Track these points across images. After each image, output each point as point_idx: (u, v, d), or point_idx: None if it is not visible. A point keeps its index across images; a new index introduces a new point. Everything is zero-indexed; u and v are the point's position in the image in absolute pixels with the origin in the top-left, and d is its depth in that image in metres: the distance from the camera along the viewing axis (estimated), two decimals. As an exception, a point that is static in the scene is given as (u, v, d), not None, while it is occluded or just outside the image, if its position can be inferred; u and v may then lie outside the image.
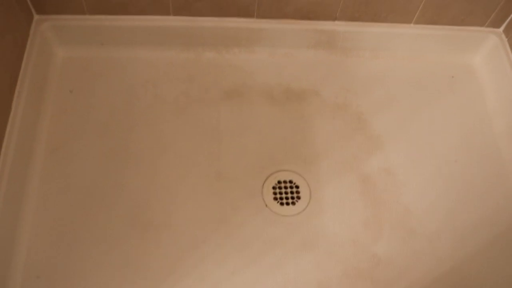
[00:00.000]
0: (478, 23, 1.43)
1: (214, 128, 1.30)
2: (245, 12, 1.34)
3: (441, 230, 1.22)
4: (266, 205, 1.20)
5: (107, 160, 1.23)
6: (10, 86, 1.16)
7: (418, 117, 1.39)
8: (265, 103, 1.36)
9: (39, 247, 1.11)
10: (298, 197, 1.22)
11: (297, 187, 1.23)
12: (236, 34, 1.39)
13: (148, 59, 1.39)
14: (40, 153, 1.22)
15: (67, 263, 1.09)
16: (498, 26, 1.45)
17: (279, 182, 1.24)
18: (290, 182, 1.24)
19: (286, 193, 1.22)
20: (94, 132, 1.26)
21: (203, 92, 1.36)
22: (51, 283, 1.07)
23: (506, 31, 1.43)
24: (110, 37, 1.36)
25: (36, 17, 1.30)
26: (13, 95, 1.16)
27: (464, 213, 1.25)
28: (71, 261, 1.10)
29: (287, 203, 1.21)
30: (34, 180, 1.18)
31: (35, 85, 1.24)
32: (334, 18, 1.38)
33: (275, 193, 1.22)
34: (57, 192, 1.17)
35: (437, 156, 1.32)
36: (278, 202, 1.21)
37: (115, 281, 1.09)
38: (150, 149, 1.25)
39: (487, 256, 1.20)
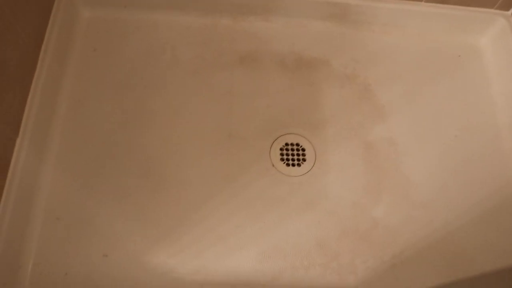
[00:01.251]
0: (487, 4, 1.46)
1: (227, 91, 1.35)
2: (263, -18, 1.39)
3: (436, 200, 1.27)
4: (273, 165, 1.26)
5: (125, 116, 1.29)
6: (37, 42, 1.21)
7: (423, 92, 1.43)
8: (277, 70, 1.41)
9: (59, 192, 1.17)
10: (304, 159, 1.28)
11: (303, 149, 1.29)
12: (253, 3, 1.43)
13: (167, 23, 1.44)
14: (63, 106, 1.28)
15: (84, 208, 1.16)
16: (507, 9, 1.47)
17: (286, 144, 1.30)
18: (297, 144, 1.30)
19: (292, 155, 1.28)
20: (114, 89, 1.32)
21: (218, 56, 1.41)
22: (69, 225, 1.14)
23: (515, 14, 1.47)
24: (133, 0, 1.41)
25: (65, -24, 1.34)
26: (39, 51, 1.22)
27: (460, 185, 1.29)
28: (88, 207, 1.17)
29: (293, 164, 1.27)
30: (57, 130, 1.24)
31: (60, 42, 1.29)
32: (348, -9, 1.43)
33: (282, 154, 1.28)
34: (77, 143, 1.24)
35: (438, 130, 1.37)
36: (284, 163, 1.27)
37: (127, 228, 1.16)
38: (166, 108, 1.31)
39: (479, 226, 1.25)
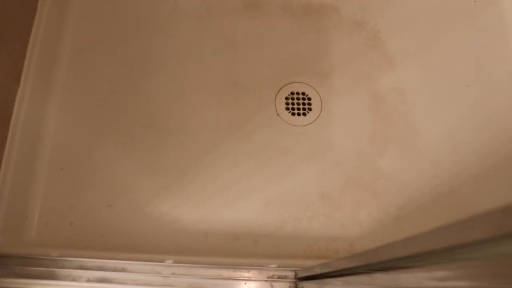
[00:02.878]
0: None
1: (232, 38, 1.32)
2: None
3: (444, 152, 1.24)
4: (278, 114, 1.24)
5: (128, 64, 1.27)
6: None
7: (435, 40, 1.38)
8: (283, 16, 1.36)
9: (62, 142, 1.17)
10: (310, 109, 1.26)
11: (309, 99, 1.27)
12: None
13: (170, -34, 1.39)
14: (64, 54, 1.25)
15: (88, 158, 1.16)
16: (529, -51, 1.40)
17: (292, 93, 1.27)
18: (303, 94, 1.27)
19: (298, 104, 1.26)
20: (116, 37, 1.30)
21: (223, 1, 1.36)
22: (73, 175, 1.15)
23: (536, -45, 1.39)
24: None
25: None
26: (38, -2, 1.19)
27: (470, 138, 1.27)
28: (91, 156, 1.17)
29: (298, 114, 1.25)
30: (59, 79, 1.23)
31: (59, -13, 1.26)
32: None
33: (287, 104, 1.26)
34: (80, 92, 1.23)
35: (449, 79, 1.33)
36: (290, 112, 1.25)
37: (131, 177, 1.16)
38: (169, 56, 1.29)
39: (486, 180, 1.23)
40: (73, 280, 0.98)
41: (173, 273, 1.00)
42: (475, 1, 1.44)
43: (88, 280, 0.99)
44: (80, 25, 1.30)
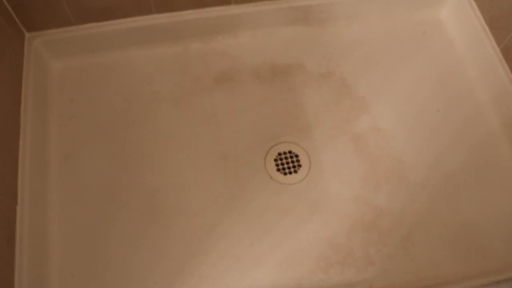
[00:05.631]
0: (441, -23, 1.51)
1: (211, 113, 1.37)
2: (224, 0, 1.40)
3: (432, 175, 1.31)
4: (271, 177, 1.28)
5: (117, 158, 1.30)
6: (16, 106, 1.21)
7: (397, 74, 1.47)
8: (254, 83, 1.43)
9: (69, 248, 1.18)
10: (299, 165, 1.31)
11: (296, 156, 1.32)
12: (218, 22, 1.45)
13: (140, 58, 1.45)
14: (54, 162, 1.28)
15: (98, 258, 1.17)
16: (461, -22, 1.52)
17: (279, 154, 1.32)
18: (290, 152, 1.32)
19: (287, 163, 1.31)
20: (100, 135, 1.33)
21: (195, 81, 1.42)
22: (85, 279, 1.15)
23: (467, -18, 1.52)
24: (100, 43, 1.42)
25: (27, 35, 1.34)
26: (19, 113, 1.22)
27: (452, 156, 1.34)
28: (100, 255, 1.18)
29: (290, 172, 1.30)
30: (53, 187, 1.25)
31: (38, 100, 1.30)
32: (307, -7, 1.45)
33: (277, 165, 1.30)
34: (77, 195, 1.25)
35: (420, 108, 1.41)
36: (281, 172, 1.29)
37: (144, 268, 1.17)
38: (155, 142, 1.32)
39: (479, 193, 1.29)
40: None
41: None
42: (424, 33, 1.55)
43: None
44: (62, 131, 1.33)
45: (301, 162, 1.31)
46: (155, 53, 1.46)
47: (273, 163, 1.31)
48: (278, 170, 1.30)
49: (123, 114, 1.36)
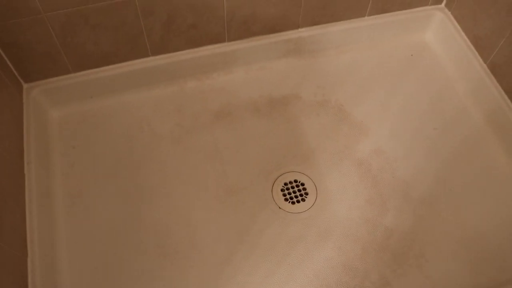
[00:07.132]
0: (423, 3, 1.58)
1: (213, 149, 1.38)
2: (217, 39, 1.44)
3: (436, 192, 1.33)
4: (280, 207, 1.29)
5: (123, 201, 1.30)
6: (20, 156, 1.22)
7: (391, 96, 1.51)
8: (253, 116, 1.45)
9: (81, 290, 1.17)
10: (306, 193, 1.32)
11: (302, 184, 1.33)
12: (212, 60, 1.48)
13: (138, 101, 1.47)
14: (60, 209, 1.28)
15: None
16: (440, 3, 1.59)
17: (285, 184, 1.33)
18: (295, 181, 1.34)
19: (294, 192, 1.32)
20: (104, 178, 1.33)
21: (194, 119, 1.44)
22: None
23: (447, 5, 1.59)
24: (98, 89, 1.43)
25: (25, 86, 1.35)
26: (23, 163, 1.22)
27: (453, 171, 1.36)
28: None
29: (298, 201, 1.30)
30: (62, 234, 1.24)
31: (40, 149, 1.30)
32: (298, 26, 1.50)
33: (284, 195, 1.31)
34: (85, 241, 1.23)
35: (417, 127, 1.45)
36: (289, 202, 1.30)
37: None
38: (160, 181, 1.33)
39: (480, 205, 1.31)
40: None
41: None
42: (412, 56, 1.60)
43: None
44: (67, 177, 1.33)
45: (308, 190, 1.32)
46: (152, 95, 1.48)
47: (280, 193, 1.31)
48: (286, 199, 1.30)
49: (126, 156, 1.37)
